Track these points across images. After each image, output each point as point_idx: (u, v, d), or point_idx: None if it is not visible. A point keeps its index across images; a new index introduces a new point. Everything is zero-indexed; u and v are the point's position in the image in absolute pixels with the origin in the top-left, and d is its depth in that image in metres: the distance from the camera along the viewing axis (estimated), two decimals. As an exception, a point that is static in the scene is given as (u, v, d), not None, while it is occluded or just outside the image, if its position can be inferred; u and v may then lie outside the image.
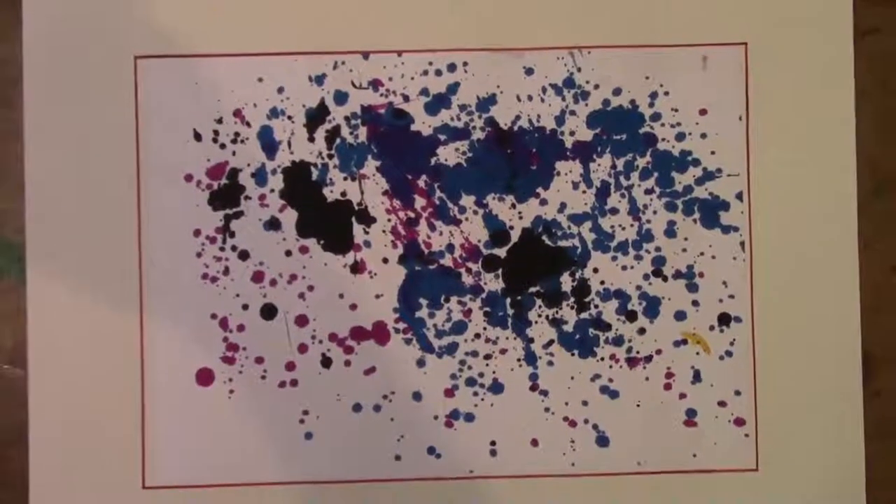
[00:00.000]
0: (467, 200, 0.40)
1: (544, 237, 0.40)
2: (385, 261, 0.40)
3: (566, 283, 0.40)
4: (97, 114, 0.39)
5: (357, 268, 0.40)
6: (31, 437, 0.39)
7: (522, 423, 0.40)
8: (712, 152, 0.40)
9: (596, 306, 0.40)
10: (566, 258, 0.40)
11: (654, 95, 0.40)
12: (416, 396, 0.40)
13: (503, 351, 0.40)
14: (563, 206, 0.40)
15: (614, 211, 0.40)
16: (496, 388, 0.40)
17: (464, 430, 0.40)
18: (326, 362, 0.40)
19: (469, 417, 0.40)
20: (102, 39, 0.39)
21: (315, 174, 0.40)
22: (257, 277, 0.40)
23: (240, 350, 0.39)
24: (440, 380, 0.40)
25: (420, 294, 0.40)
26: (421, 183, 0.40)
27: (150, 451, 0.39)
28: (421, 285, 0.40)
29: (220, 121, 0.39)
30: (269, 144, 0.40)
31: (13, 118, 0.39)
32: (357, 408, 0.40)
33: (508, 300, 0.40)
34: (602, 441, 0.40)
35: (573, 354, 0.40)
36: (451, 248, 0.40)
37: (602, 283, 0.40)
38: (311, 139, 0.40)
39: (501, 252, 0.40)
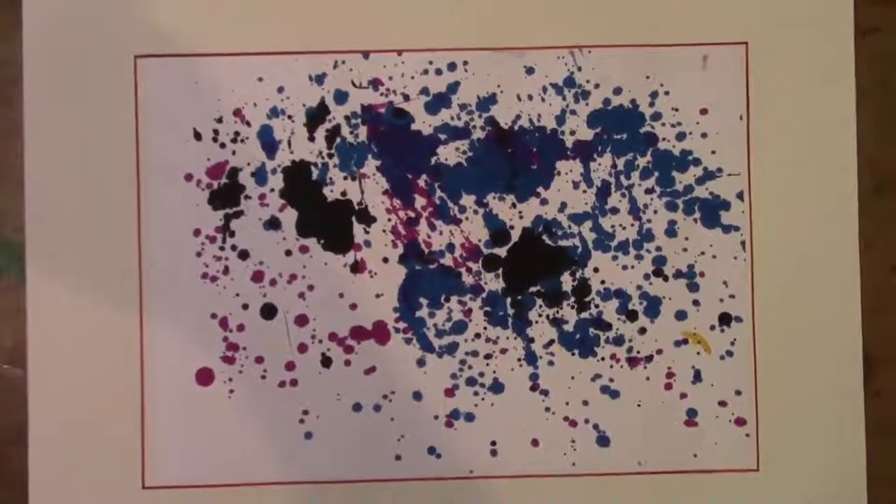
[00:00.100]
0: (468, 200, 0.40)
1: (545, 237, 0.40)
2: (385, 260, 0.40)
3: (567, 282, 0.40)
4: (97, 113, 0.39)
5: (357, 267, 0.40)
6: (31, 437, 0.39)
7: (523, 423, 0.40)
8: (713, 152, 0.40)
9: (596, 306, 0.40)
10: (567, 258, 0.40)
11: (654, 95, 0.40)
12: (417, 396, 0.40)
13: (503, 351, 0.40)
14: (563, 206, 0.40)
15: (615, 210, 0.40)
16: (496, 387, 0.40)
17: (464, 430, 0.40)
18: (326, 362, 0.40)
19: (469, 417, 0.40)
20: (102, 39, 0.39)
21: (315, 174, 0.40)
22: (257, 277, 0.40)
23: (240, 350, 0.39)
24: (440, 379, 0.40)
25: (420, 294, 0.40)
26: (421, 182, 0.40)
27: (150, 450, 0.39)
28: (421, 285, 0.40)
29: (220, 120, 0.39)
30: (269, 144, 0.40)
31: (13, 117, 0.39)
32: (357, 407, 0.40)
33: (509, 300, 0.40)
34: (603, 441, 0.40)
35: (574, 354, 0.40)
36: (451, 247, 0.40)
37: (602, 282, 0.40)
38: (312, 138, 0.40)
39: (502, 252, 0.40)
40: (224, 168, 0.40)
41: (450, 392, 0.40)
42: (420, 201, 0.40)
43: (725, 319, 0.40)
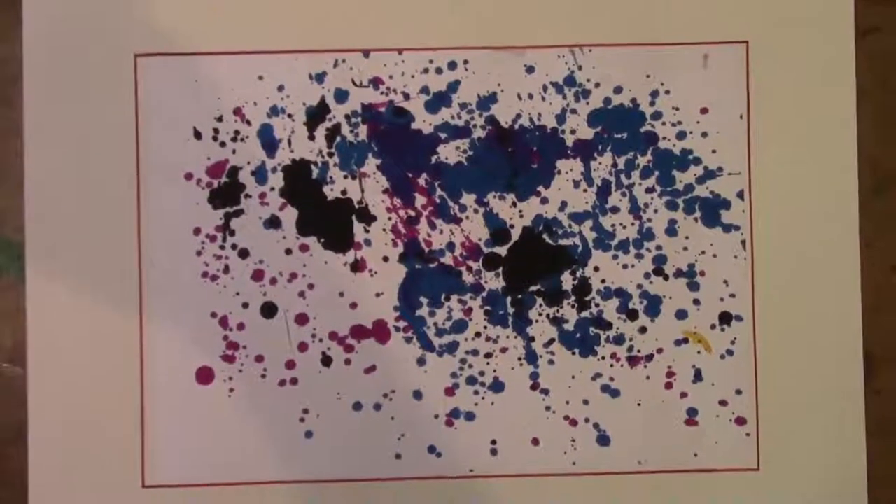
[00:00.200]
0: (468, 199, 0.40)
1: (545, 236, 0.40)
2: (385, 259, 0.40)
3: (567, 281, 0.40)
4: (97, 112, 0.39)
5: (357, 266, 0.40)
6: (31, 436, 0.39)
7: (523, 422, 0.40)
8: (713, 151, 0.40)
9: (597, 305, 0.40)
10: (567, 257, 0.40)
11: (654, 94, 0.40)
12: (417, 395, 0.40)
13: (504, 350, 0.40)
14: (563, 205, 0.40)
15: (615, 209, 0.40)
16: (497, 386, 0.40)
17: (464, 429, 0.40)
18: (327, 361, 0.40)
19: (469, 416, 0.40)
20: (102, 38, 0.39)
21: (315, 172, 0.40)
22: (257, 276, 0.40)
23: (240, 349, 0.39)
24: (441, 378, 0.40)
25: (420, 292, 0.40)
26: (421, 181, 0.40)
27: (150, 449, 0.39)
28: (421, 284, 0.40)
29: (220, 119, 0.39)
30: (269, 142, 0.40)
31: (13, 116, 0.39)
32: (357, 406, 0.40)
33: (509, 299, 0.40)
34: (603, 440, 0.40)
35: (574, 353, 0.40)
36: (451, 246, 0.40)
37: (603, 281, 0.40)
38: (312, 137, 0.40)
39: (502, 250, 0.40)
40: (224, 167, 0.40)
41: (450, 391, 0.40)
42: (420, 200, 0.40)
43: (726, 319, 0.40)
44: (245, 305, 0.39)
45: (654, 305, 0.40)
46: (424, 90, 0.40)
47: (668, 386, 0.40)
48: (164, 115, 0.39)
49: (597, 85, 0.40)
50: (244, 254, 0.39)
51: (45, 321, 0.39)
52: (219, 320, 0.39)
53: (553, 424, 0.40)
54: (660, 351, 0.40)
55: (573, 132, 0.40)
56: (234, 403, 0.39)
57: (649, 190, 0.40)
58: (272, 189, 0.40)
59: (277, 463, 0.39)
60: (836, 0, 0.40)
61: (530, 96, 0.40)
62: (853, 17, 0.40)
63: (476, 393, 0.40)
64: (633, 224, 0.40)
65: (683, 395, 0.40)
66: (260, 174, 0.40)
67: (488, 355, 0.40)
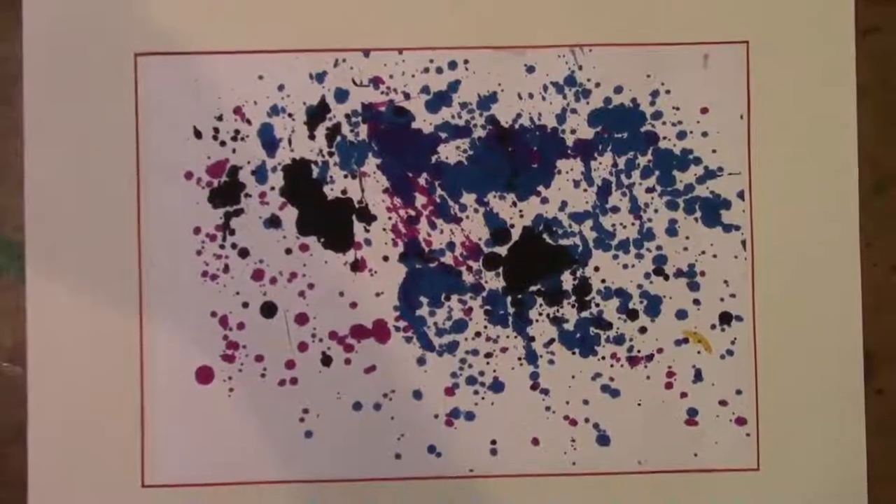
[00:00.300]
0: (468, 198, 0.40)
1: (545, 235, 0.40)
2: (385, 259, 0.40)
3: (567, 281, 0.40)
4: (97, 111, 0.39)
5: (357, 266, 0.40)
6: (30, 436, 0.39)
7: (523, 422, 0.40)
8: (713, 151, 0.40)
9: (597, 305, 0.40)
10: (567, 257, 0.40)
11: (655, 94, 0.40)
12: (417, 395, 0.40)
13: (504, 349, 0.40)
14: (563, 205, 0.40)
15: (615, 209, 0.40)
16: (497, 386, 0.40)
17: (464, 429, 0.40)
18: (326, 360, 0.40)
19: (469, 416, 0.40)
20: (102, 37, 0.39)
21: (315, 172, 0.40)
22: (257, 275, 0.39)
23: (240, 348, 0.39)
24: (441, 378, 0.40)
25: (421, 292, 0.40)
26: (421, 181, 0.40)
27: (150, 449, 0.39)
28: (421, 283, 0.40)
29: (220, 118, 0.39)
30: (269, 142, 0.40)
31: (13, 116, 0.39)
32: (357, 406, 0.40)
33: (509, 298, 0.40)
34: (603, 440, 0.40)
35: (574, 353, 0.40)
36: (451, 246, 0.40)
37: (603, 281, 0.40)
38: (312, 137, 0.40)
39: (502, 250, 0.40)
40: (224, 166, 0.39)
41: (450, 391, 0.40)
42: (420, 200, 0.40)
43: (726, 319, 0.40)
44: (245, 305, 0.39)
45: (654, 305, 0.40)
46: (425, 90, 0.40)
47: (669, 386, 0.40)
48: (165, 115, 0.39)
49: (597, 85, 0.40)
50: (244, 253, 0.39)
51: (45, 320, 0.39)
52: (219, 320, 0.39)
53: (553, 424, 0.40)
54: (660, 351, 0.40)
55: (573, 132, 0.40)
56: (233, 403, 0.39)
57: (649, 190, 0.40)
58: (272, 188, 0.40)
59: (277, 463, 0.39)
60: (836, 0, 0.40)
61: (531, 96, 0.40)
62: (853, 16, 0.40)
63: (476, 393, 0.40)
64: (633, 224, 0.40)
65: (683, 395, 0.40)
66: (260, 174, 0.40)
67: (488, 355, 0.40)
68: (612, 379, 0.40)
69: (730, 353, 0.40)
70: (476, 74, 0.40)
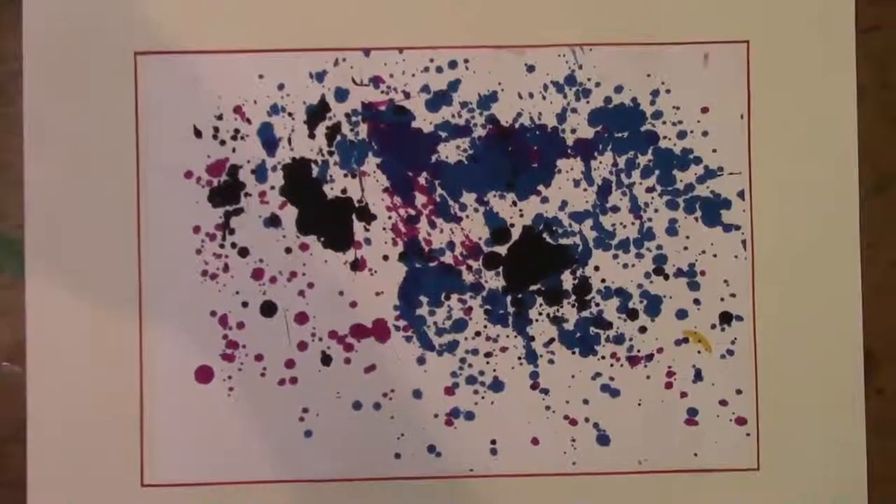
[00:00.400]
0: (468, 198, 0.40)
1: (545, 235, 0.40)
2: (385, 258, 0.40)
3: (567, 281, 0.40)
4: (97, 110, 0.39)
5: (357, 265, 0.40)
6: (30, 434, 0.39)
7: (523, 422, 0.40)
8: (714, 150, 0.40)
9: (597, 304, 0.40)
10: (567, 256, 0.40)
11: (655, 93, 0.40)
12: (417, 394, 0.40)
13: (504, 349, 0.40)
14: (564, 204, 0.40)
15: (615, 209, 0.40)
16: (497, 386, 0.40)
17: (464, 429, 0.40)
18: (326, 360, 0.40)
19: (469, 416, 0.40)
20: (102, 36, 0.39)
21: (315, 171, 0.40)
22: (257, 274, 0.39)
23: (239, 347, 0.39)
24: (440, 378, 0.40)
25: (420, 292, 0.40)
26: (421, 180, 0.40)
27: (149, 448, 0.39)
28: (421, 283, 0.40)
29: (220, 117, 0.39)
30: (269, 141, 0.40)
31: (13, 114, 0.39)
32: (357, 406, 0.40)
33: (509, 298, 0.40)
34: (603, 440, 0.40)
35: (574, 353, 0.40)
36: (451, 245, 0.40)
37: (603, 281, 0.40)
38: (312, 136, 0.40)
39: (502, 250, 0.40)
40: (224, 165, 0.39)
41: (450, 390, 0.40)
42: (420, 199, 0.40)
43: (726, 318, 0.40)
44: (245, 304, 0.39)
45: (654, 305, 0.40)
46: (425, 89, 0.40)
47: (669, 386, 0.40)
48: (164, 114, 0.39)
49: (597, 84, 0.40)
50: (244, 252, 0.39)
51: (45, 319, 0.39)
52: (218, 319, 0.39)
53: (553, 424, 0.40)
54: (660, 351, 0.40)
55: (573, 131, 0.40)
56: (233, 402, 0.39)
57: (650, 189, 0.40)
58: (272, 188, 0.40)
59: (277, 462, 0.39)
60: (836, -1, 0.40)
61: (531, 95, 0.40)
62: (853, 16, 0.40)
63: (476, 392, 0.40)
64: (633, 223, 0.40)
65: (683, 394, 0.40)
66: (260, 173, 0.40)
67: (488, 354, 0.40)
68: (612, 378, 0.40)
69: (730, 352, 0.40)
70: (476, 74, 0.40)
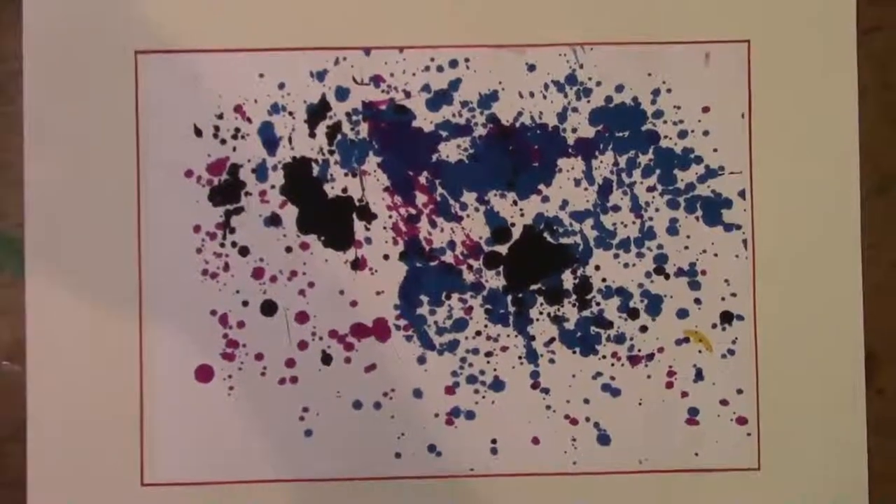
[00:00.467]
0: (469, 197, 0.40)
1: (546, 234, 0.40)
2: (386, 257, 0.40)
3: (568, 280, 0.40)
4: (97, 109, 0.39)
5: (358, 264, 0.40)
6: (30, 434, 0.39)
7: (523, 421, 0.40)
8: (715, 150, 0.40)
9: (598, 304, 0.40)
10: (568, 255, 0.40)
11: (656, 92, 0.40)
12: (417, 394, 0.40)
13: (504, 348, 0.40)
14: (564, 204, 0.40)
15: (616, 208, 0.40)
16: (497, 385, 0.40)
17: (464, 428, 0.40)
18: (326, 359, 0.39)
19: (470, 415, 0.40)
20: (103, 35, 0.39)
21: (316, 170, 0.40)
22: (257, 274, 0.39)
23: (239, 347, 0.39)
24: (441, 377, 0.40)
25: (421, 291, 0.40)
26: (422, 179, 0.40)
27: (149, 447, 0.39)
28: (422, 282, 0.40)
29: (220, 116, 0.39)
30: (269, 140, 0.39)
31: (13, 113, 0.39)
32: (357, 405, 0.40)
33: (510, 297, 0.40)
34: (603, 439, 0.40)
35: (575, 352, 0.40)
36: (452, 244, 0.40)
37: (604, 280, 0.40)
38: (312, 135, 0.40)
39: (503, 249, 0.40)
40: (224, 164, 0.39)
41: (450, 390, 0.40)
42: (421, 198, 0.40)
43: (727, 318, 0.40)
44: (245, 303, 0.39)
45: (655, 304, 0.40)
46: (425, 88, 0.40)
47: (669, 385, 0.40)
48: (165, 113, 0.39)
49: (598, 83, 0.40)
50: (244, 251, 0.39)
51: (45, 318, 0.39)
52: (218, 318, 0.39)
53: (553, 423, 0.40)
54: (661, 350, 0.40)
55: (574, 130, 0.40)
56: (233, 402, 0.39)
57: (650, 189, 0.40)
58: (273, 187, 0.40)
59: (277, 461, 0.39)
60: (837, -1, 0.40)
61: (531, 94, 0.40)
62: (855, 16, 0.40)
63: (476, 392, 0.40)
64: (634, 223, 0.40)
65: (684, 394, 0.40)
66: (260, 172, 0.39)
67: (489, 354, 0.40)
68: (612, 378, 0.40)
69: (731, 352, 0.40)
70: (477, 73, 0.40)
